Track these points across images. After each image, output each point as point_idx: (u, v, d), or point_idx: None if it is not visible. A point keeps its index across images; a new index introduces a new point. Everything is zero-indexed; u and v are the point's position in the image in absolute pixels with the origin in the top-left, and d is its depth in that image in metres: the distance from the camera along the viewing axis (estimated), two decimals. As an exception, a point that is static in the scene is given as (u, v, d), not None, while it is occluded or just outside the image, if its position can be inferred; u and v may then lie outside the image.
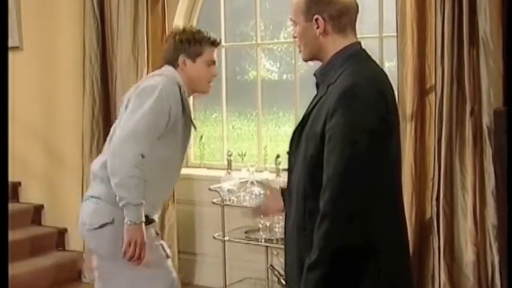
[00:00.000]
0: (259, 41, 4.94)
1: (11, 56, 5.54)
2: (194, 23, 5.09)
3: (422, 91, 3.85)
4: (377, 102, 2.08)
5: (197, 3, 5.06)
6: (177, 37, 3.09)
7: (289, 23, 2.37)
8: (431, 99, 3.82)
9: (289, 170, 2.28)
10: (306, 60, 2.30)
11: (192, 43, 3.06)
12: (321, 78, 2.24)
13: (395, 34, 3.89)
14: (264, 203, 2.53)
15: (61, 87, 5.41)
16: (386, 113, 2.10)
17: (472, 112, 3.65)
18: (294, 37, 2.28)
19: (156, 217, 3.12)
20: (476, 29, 3.59)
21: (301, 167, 2.18)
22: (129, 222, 2.84)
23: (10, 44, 5.55)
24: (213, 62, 3.10)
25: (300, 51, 2.28)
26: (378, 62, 4.22)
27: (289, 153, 2.28)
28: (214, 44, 3.09)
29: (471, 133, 3.65)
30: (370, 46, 3.94)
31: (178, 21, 4.98)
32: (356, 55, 2.20)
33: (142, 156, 2.85)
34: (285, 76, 6.18)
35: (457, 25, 3.64)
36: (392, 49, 4.03)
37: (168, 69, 3.07)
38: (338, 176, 2.03)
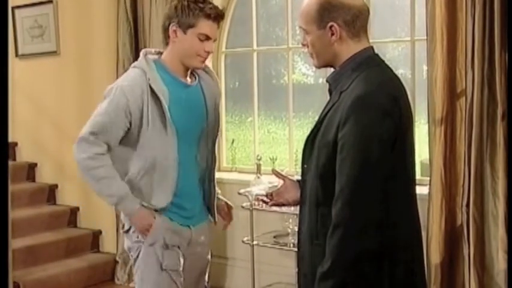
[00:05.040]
0: (290, 45, 4.92)
1: (48, 60, 5.73)
2: (227, 27, 5.11)
3: (452, 95, 3.77)
4: (390, 107, 2.05)
5: (230, 7, 5.07)
6: (172, 3, 2.83)
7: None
8: (462, 103, 3.73)
9: (303, 178, 2.26)
10: (318, 67, 2.27)
11: (186, 12, 2.74)
12: (334, 84, 2.21)
13: (425, 38, 3.83)
14: (276, 191, 2.48)
15: (95, 91, 5.45)
16: (399, 118, 2.07)
17: (503, 116, 3.56)
18: (303, 45, 2.23)
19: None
20: (507, 32, 3.50)
21: (314, 175, 2.16)
22: (128, 217, 2.88)
23: (48, 49, 5.72)
24: (207, 37, 2.77)
25: (312, 59, 2.24)
26: (409, 66, 4.20)
27: (302, 161, 2.25)
28: (210, 17, 2.74)
29: (502, 137, 3.56)
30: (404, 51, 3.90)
31: (210, 25, 5.00)
32: (368, 60, 2.16)
33: (103, 153, 2.80)
34: (320, 80, 6.14)
35: (488, 28, 3.55)
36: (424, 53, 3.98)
37: (140, 58, 2.86)
38: (351, 184, 2.01)
